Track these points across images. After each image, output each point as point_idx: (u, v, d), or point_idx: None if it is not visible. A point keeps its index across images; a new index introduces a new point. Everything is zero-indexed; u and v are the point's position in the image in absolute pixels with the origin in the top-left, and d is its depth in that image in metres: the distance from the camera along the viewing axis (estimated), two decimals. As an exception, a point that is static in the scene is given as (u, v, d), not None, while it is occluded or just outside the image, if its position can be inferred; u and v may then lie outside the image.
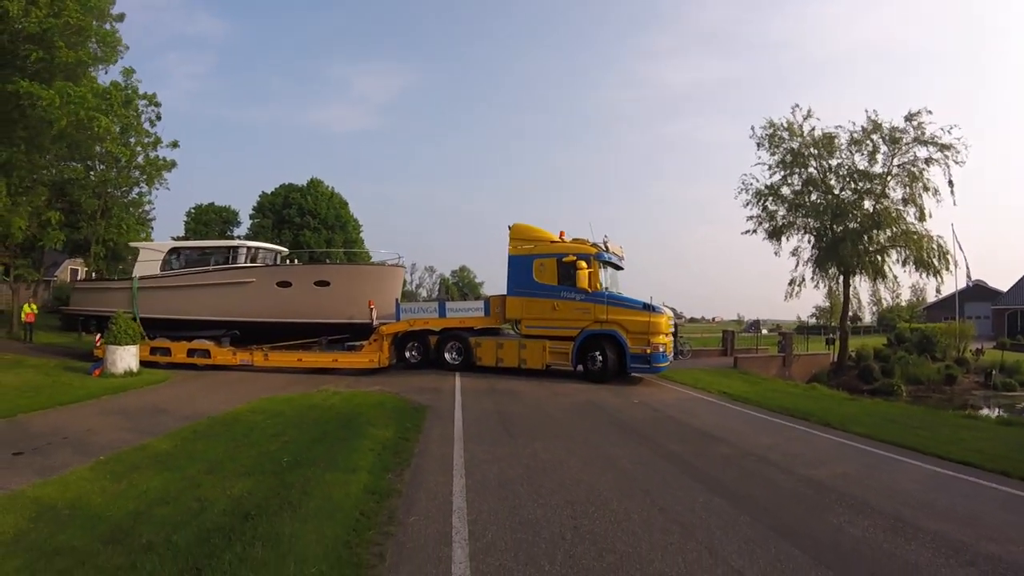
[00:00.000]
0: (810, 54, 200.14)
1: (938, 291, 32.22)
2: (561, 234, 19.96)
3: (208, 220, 60.27)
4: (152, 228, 36.95)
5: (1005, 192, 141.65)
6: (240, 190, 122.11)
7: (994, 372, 31.87)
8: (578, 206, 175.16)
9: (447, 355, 20.38)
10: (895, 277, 29.34)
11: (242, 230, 61.13)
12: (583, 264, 18.20)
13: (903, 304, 68.91)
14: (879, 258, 28.71)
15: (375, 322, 21.09)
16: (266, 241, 51.76)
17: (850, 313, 31.64)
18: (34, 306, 26.14)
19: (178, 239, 53.48)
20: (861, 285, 30.66)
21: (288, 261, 26.63)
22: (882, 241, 28.57)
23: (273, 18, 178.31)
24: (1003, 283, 63.84)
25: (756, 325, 66.57)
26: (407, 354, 21.18)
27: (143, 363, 19.25)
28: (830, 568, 4.88)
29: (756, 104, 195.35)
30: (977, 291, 68.14)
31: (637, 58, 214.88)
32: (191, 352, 20.59)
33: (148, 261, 23.89)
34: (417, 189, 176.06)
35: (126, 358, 17.67)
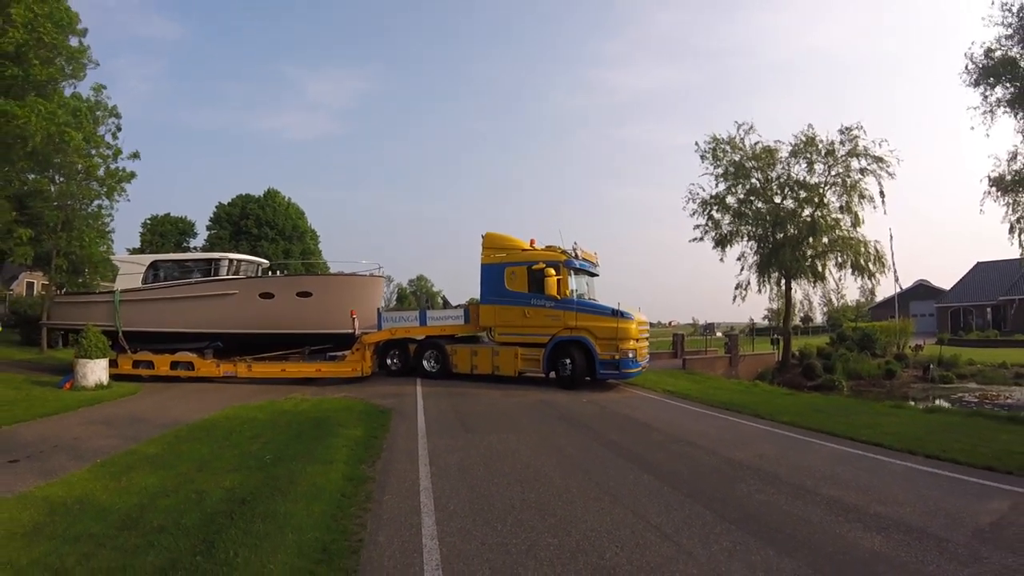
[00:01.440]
0: (762, 61, 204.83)
1: (872, 293, 34.04)
2: (532, 242, 20.29)
3: (164, 231, 59.74)
4: (112, 240, 36.84)
5: (952, 194, 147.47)
6: (195, 199, 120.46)
7: (932, 366, 33.48)
8: (539, 211, 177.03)
9: (425, 363, 20.75)
10: (841, 279, 31.02)
11: (199, 241, 60.91)
12: (551, 271, 18.32)
13: (849, 304, 71.94)
14: (817, 263, 30.31)
15: (357, 331, 21.40)
16: (222, 251, 51.93)
17: (801, 314, 33.39)
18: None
19: (134, 251, 53.02)
20: (813, 288, 32.41)
21: (270, 272, 26.68)
22: (819, 247, 30.15)
23: (229, 22, 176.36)
24: (948, 282, 66.38)
25: (710, 328, 68.30)
26: (389, 362, 21.63)
27: (127, 377, 19.70)
28: (732, 523, 5.99)
29: (707, 109, 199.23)
30: (922, 290, 71.32)
31: (591, 64, 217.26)
32: (174, 365, 20.88)
33: (129, 274, 23.90)
34: (374, 196, 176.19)
35: (96, 371, 18.01)
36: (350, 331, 21.29)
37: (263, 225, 57.23)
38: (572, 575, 4.77)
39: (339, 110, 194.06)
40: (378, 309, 22.79)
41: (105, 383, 18.10)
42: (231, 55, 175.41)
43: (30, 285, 47.01)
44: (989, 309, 58.34)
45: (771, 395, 18.74)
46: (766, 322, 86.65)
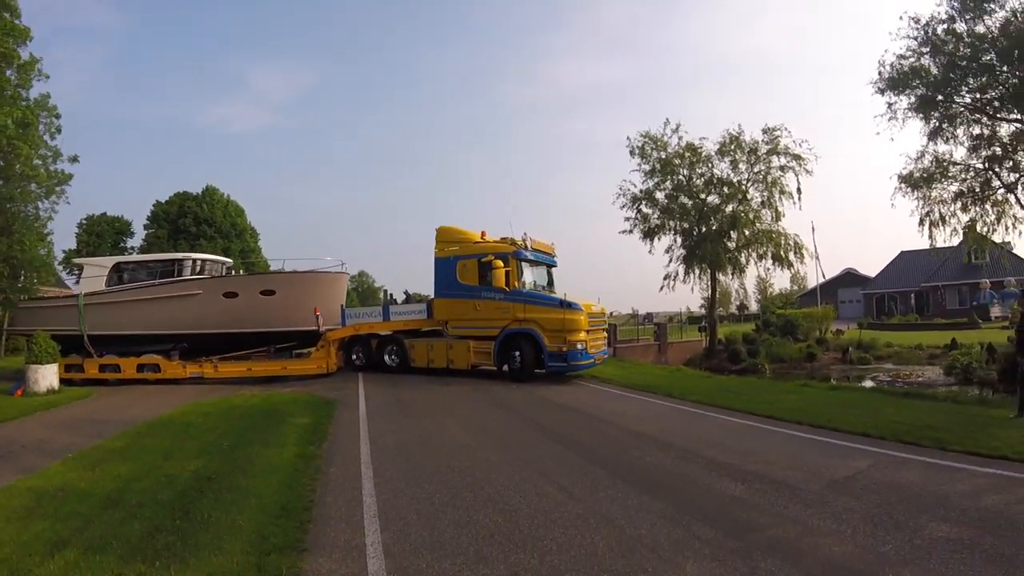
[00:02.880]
0: (703, 57, 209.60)
1: (803, 280, 36.27)
2: (483, 234, 20.29)
3: (101, 231, 58.53)
4: (52, 243, 36.52)
5: (882, 186, 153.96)
6: (131, 197, 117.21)
7: (850, 349, 35.46)
8: (490, 204, 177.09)
9: (386, 357, 21.07)
10: (768, 270, 33.21)
11: (136, 241, 59.84)
12: (499, 263, 18.16)
13: (782, 293, 75.27)
14: (738, 255, 32.28)
15: (321, 328, 21.58)
16: (160, 251, 51.35)
17: (737, 303, 35.42)
18: None
19: (70, 253, 52.22)
20: (732, 278, 34.42)
21: (232, 272, 26.60)
22: (740, 240, 32.08)
23: (168, 10, 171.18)
24: (875, 271, 69.04)
25: (649, 317, 70.25)
26: (353, 358, 21.93)
27: (92, 381, 20.09)
28: (620, 479, 7.34)
29: (649, 104, 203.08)
30: (849, 278, 74.41)
31: (535, 57, 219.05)
32: (140, 367, 20.95)
33: (92, 277, 23.91)
34: (318, 191, 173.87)
35: (48, 376, 18.24)
36: (314, 328, 21.52)
37: (202, 223, 56.68)
38: (481, 516, 6.04)
39: (283, 103, 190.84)
40: (341, 306, 22.94)
41: (56, 388, 18.36)
42: (170, 45, 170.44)
43: None
44: (913, 295, 60.49)
45: (690, 378, 20.10)
46: (702, 311, 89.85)
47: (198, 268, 24.03)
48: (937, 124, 21.90)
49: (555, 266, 21.14)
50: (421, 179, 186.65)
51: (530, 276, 19.39)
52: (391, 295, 28.47)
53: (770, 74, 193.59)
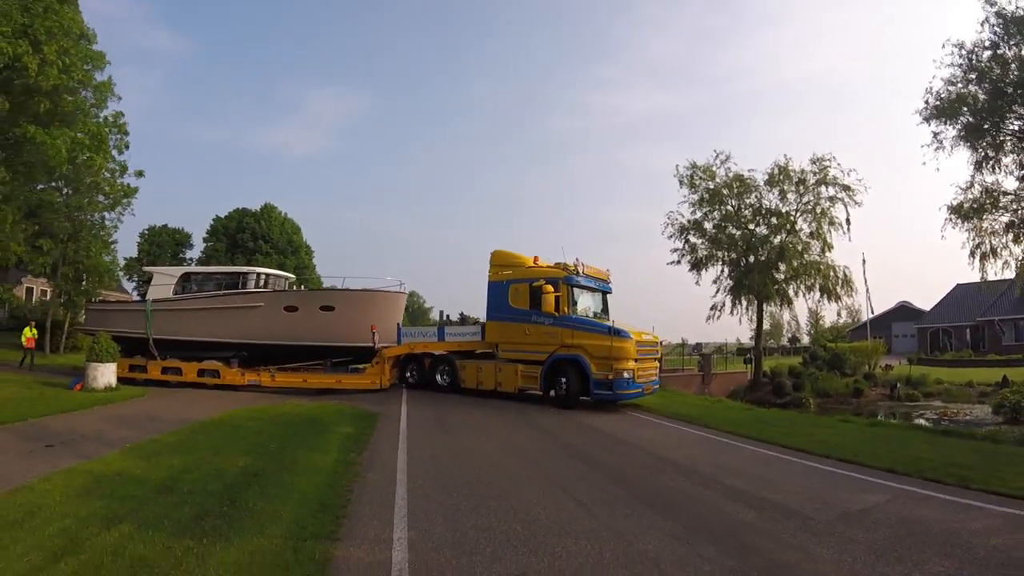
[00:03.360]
0: (758, 86, 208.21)
1: (838, 314, 35.79)
2: (535, 259, 20.23)
3: (161, 242, 60.78)
4: (116, 251, 38.22)
5: (937, 213, 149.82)
6: (191, 211, 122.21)
7: (899, 385, 34.78)
8: (542, 232, 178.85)
9: (438, 377, 21.22)
10: (816, 302, 33.00)
11: (195, 252, 61.95)
12: (549, 288, 17.87)
13: (837, 326, 73.90)
14: (786, 287, 32.07)
15: (377, 345, 21.98)
16: (218, 264, 53.17)
17: (789, 335, 35.14)
18: (35, 330, 26.19)
19: (131, 260, 54.41)
20: (779, 310, 34.25)
21: (294, 287, 27.39)
22: (788, 272, 31.89)
23: (231, 36, 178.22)
24: (931, 304, 67.26)
25: (697, 348, 69.53)
26: (408, 376, 22.20)
27: (152, 382, 21.03)
28: (639, 499, 7.64)
29: (703, 133, 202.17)
30: (904, 311, 72.78)
31: (589, 89, 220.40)
32: (201, 372, 21.66)
33: (161, 285, 24.92)
34: (371, 213, 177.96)
35: (107, 374, 19.23)
36: (370, 345, 21.98)
37: (259, 239, 58.21)
38: (502, 523, 6.43)
39: (338, 128, 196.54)
40: (398, 324, 23.35)
41: (114, 386, 19.28)
42: (232, 69, 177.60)
43: (30, 290, 47.98)
44: (968, 330, 58.67)
45: (728, 409, 20.05)
46: (751, 342, 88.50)
47: (262, 282, 24.89)
48: (984, 153, 21.42)
49: (610, 293, 20.73)
50: (475, 205, 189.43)
51: (586, 302, 19.25)
52: (448, 316, 28.78)
53: (831, 99, 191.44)
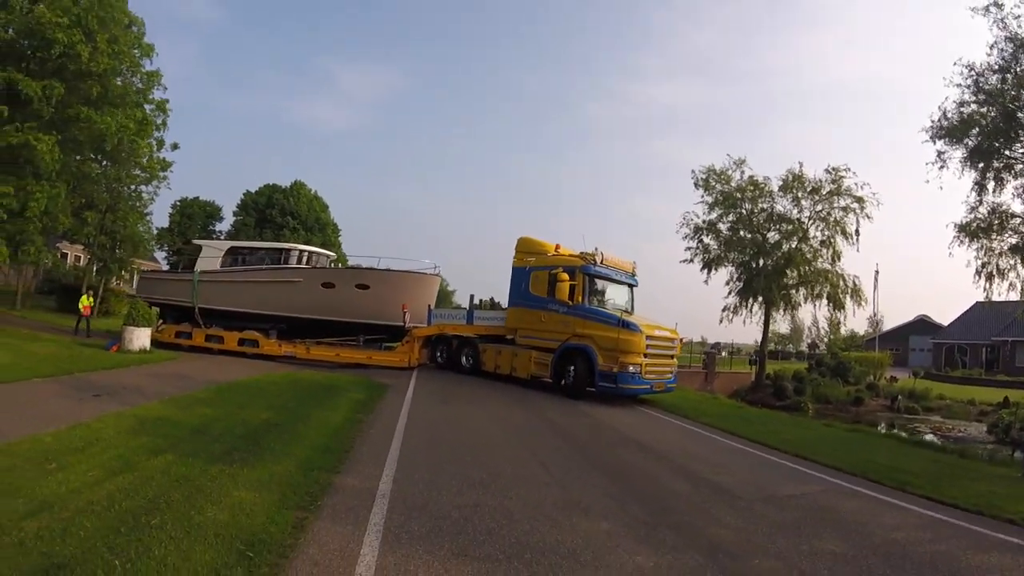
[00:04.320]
0: (797, 84, 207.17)
1: (847, 322, 36.10)
2: (556, 247, 20.37)
3: (192, 214, 62.36)
4: (151, 222, 39.79)
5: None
6: (222, 184, 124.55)
7: (899, 397, 35.38)
8: (570, 219, 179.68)
9: (462, 359, 21.76)
10: (830, 310, 33.55)
11: (224, 225, 63.44)
12: (564, 276, 17.79)
13: (847, 334, 74.15)
14: (792, 293, 32.94)
15: (408, 325, 22.81)
16: (247, 238, 54.74)
17: (809, 340, 35.85)
18: (92, 298, 27.18)
19: (162, 231, 56.23)
20: (783, 315, 35.11)
21: (334, 265, 28.37)
22: (795, 278, 32.74)
23: (268, 9, 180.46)
24: (949, 319, 66.85)
25: (717, 347, 70.16)
26: (437, 356, 22.97)
27: (201, 349, 22.56)
28: (596, 469, 8.98)
29: (738, 128, 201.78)
30: (922, 325, 72.91)
31: (626, 77, 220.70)
32: (241, 341, 22.94)
33: (209, 257, 26.07)
34: (400, 192, 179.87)
35: (142, 337, 20.67)
36: (402, 324, 22.93)
37: (287, 215, 59.42)
38: (472, 473, 7.85)
39: (371, 106, 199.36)
40: (428, 305, 24.15)
41: (148, 348, 20.71)
42: (267, 42, 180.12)
43: (63, 256, 49.63)
44: (985, 348, 58.88)
45: (719, 406, 20.86)
46: (772, 345, 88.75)
47: (304, 259, 26.05)
48: (986, 175, 21.45)
49: (635, 286, 20.41)
50: (508, 189, 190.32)
51: (610, 294, 19.24)
52: (482, 300, 29.51)
53: (874, 104, 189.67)
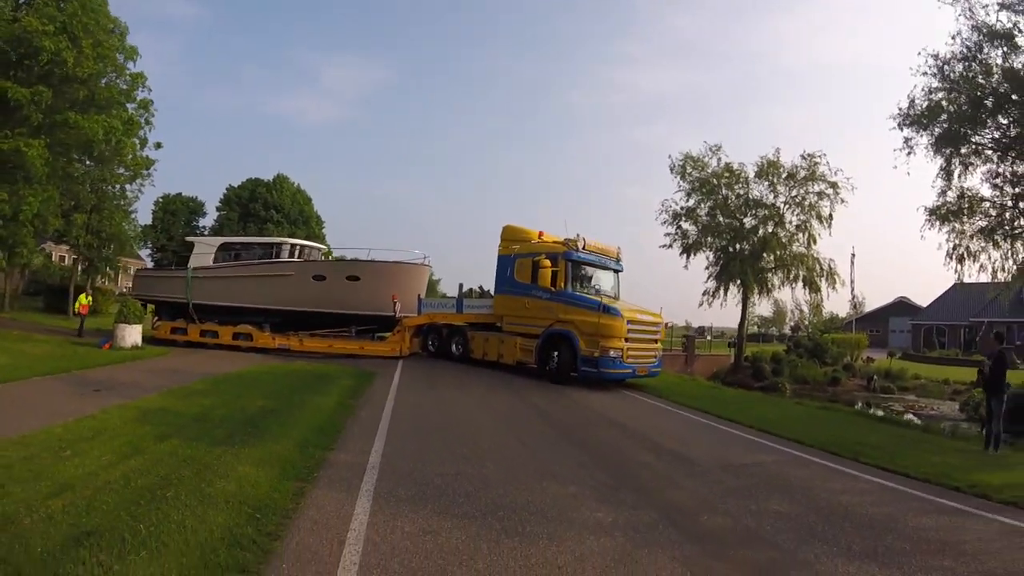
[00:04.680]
0: (780, 66, 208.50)
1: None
2: (540, 234, 20.52)
3: (175, 210, 62.33)
4: (136, 220, 39.99)
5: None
6: (203, 179, 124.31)
7: (875, 377, 36.29)
8: (558, 207, 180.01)
9: (453, 347, 22.09)
10: (806, 292, 34.38)
11: (208, 220, 63.27)
12: (547, 262, 17.92)
13: (829, 316, 75.40)
14: (768, 276, 33.76)
15: (398, 315, 23.06)
16: (230, 234, 54.87)
17: (792, 323, 36.57)
18: (90, 297, 27.11)
19: (146, 228, 56.22)
20: (758, 297, 35.93)
21: (323, 257, 28.65)
22: (771, 262, 33.55)
23: (246, 3, 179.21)
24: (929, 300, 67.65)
25: (701, 331, 70.92)
26: (429, 344, 23.38)
27: (194, 344, 23.06)
28: (569, 442, 9.77)
29: (721, 113, 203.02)
30: (902, 306, 74.02)
31: (611, 64, 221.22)
32: (236, 335, 23.40)
33: (202, 254, 26.56)
34: (385, 185, 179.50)
35: (133, 334, 21.20)
36: (392, 314, 23.26)
37: (271, 208, 59.70)
38: (455, 447, 8.66)
39: (354, 98, 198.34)
40: (419, 295, 24.43)
41: (140, 345, 21.24)
42: (248, 36, 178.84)
43: (48, 256, 49.49)
44: (963, 329, 59.67)
45: (694, 386, 21.57)
46: (757, 328, 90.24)
47: (296, 252, 26.39)
48: (945, 163, 21.99)
49: (619, 271, 20.52)
50: (492, 178, 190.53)
51: (596, 280, 19.49)
52: (470, 289, 29.54)
53: (859, 86, 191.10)
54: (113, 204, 33.81)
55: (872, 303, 79.38)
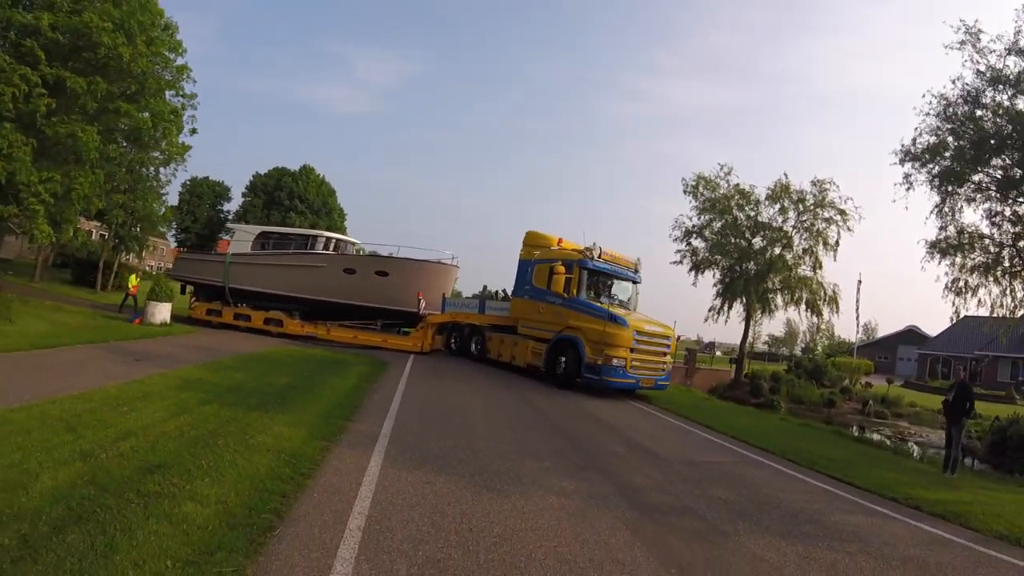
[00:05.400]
0: (810, 90, 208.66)
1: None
2: (559, 240, 20.95)
3: (201, 193, 63.91)
4: (167, 202, 41.30)
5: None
6: (229, 163, 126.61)
7: (871, 402, 36.96)
8: (579, 214, 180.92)
9: (473, 346, 22.79)
10: (808, 315, 35.33)
11: (232, 206, 64.68)
12: (561, 269, 18.35)
13: (839, 340, 76.16)
14: (771, 297, 34.78)
15: (422, 311, 24.13)
16: (254, 220, 56.30)
17: (803, 344, 37.32)
18: (139, 279, 27.80)
19: (170, 210, 57.80)
20: (760, 318, 36.93)
21: (358, 252, 29.20)
22: (775, 284, 34.58)
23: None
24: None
25: (711, 346, 71.48)
26: (452, 342, 24.21)
27: (227, 326, 24.47)
28: (554, 431, 11.13)
29: (750, 130, 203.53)
30: (911, 335, 74.63)
31: (642, 74, 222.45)
32: (267, 320, 24.63)
33: (241, 240, 27.48)
34: (407, 178, 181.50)
35: (163, 312, 22.73)
36: (416, 310, 24.33)
37: (295, 198, 60.88)
38: (453, 425, 10.16)
39: (384, 90, 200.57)
40: (443, 294, 25.36)
41: (168, 322, 22.69)
42: (282, 23, 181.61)
43: (87, 233, 50.98)
44: (969, 361, 60.04)
45: (688, 397, 22.38)
46: (766, 346, 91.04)
47: (331, 245, 27.39)
48: (940, 200, 22.74)
49: (638, 282, 20.83)
50: (514, 181, 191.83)
51: (615, 290, 19.94)
52: (497, 292, 30.25)
53: (885, 114, 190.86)
54: (147, 186, 35.07)
55: (885, 329, 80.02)
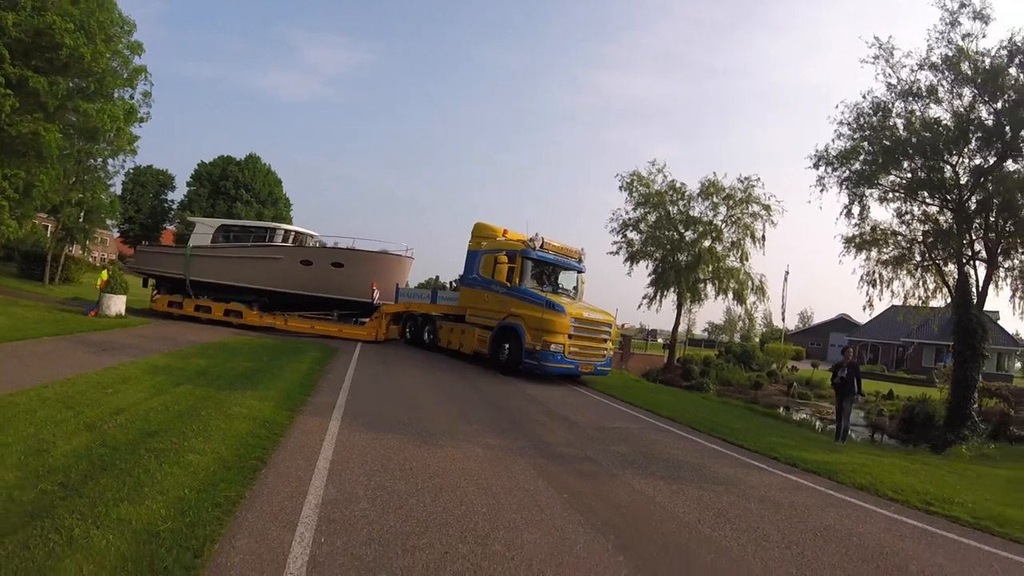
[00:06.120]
0: (753, 85, 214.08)
1: (762, 314, 40.21)
2: (504, 231, 21.53)
3: (145, 182, 63.42)
4: (115, 193, 41.02)
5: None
6: (173, 151, 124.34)
7: (795, 384, 39.50)
8: (518, 202, 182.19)
9: (425, 334, 23.55)
10: (735, 303, 37.63)
11: (177, 195, 64.48)
12: (504, 258, 18.91)
13: (769, 327, 79.52)
14: (699, 287, 37.00)
15: (376, 301, 24.84)
16: (199, 210, 56.22)
17: (741, 332, 39.18)
18: (107, 273, 27.26)
19: (114, 199, 57.38)
20: (690, 306, 39.15)
21: (316, 244, 29.45)
22: (704, 275, 36.79)
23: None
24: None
25: (652, 334, 73.29)
26: (407, 331, 24.99)
27: (188, 318, 24.97)
28: (487, 404, 12.84)
29: (693, 123, 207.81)
30: (842, 323, 78.49)
31: (587, 65, 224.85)
32: (227, 312, 25.14)
33: (201, 233, 27.93)
34: (352, 167, 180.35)
35: (118, 304, 23.14)
36: (370, 300, 25.00)
37: (240, 187, 60.91)
38: (400, 401, 11.72)
39: (331, 77, 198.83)
40: (397, 285, 26.08)
41: (123, 314, 23.17)
42: (228, 7, 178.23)
43: (36, 226, 50.02)
44: (896, 348, 63.89)
45: (620, 379, 23.84)
46: (706, 334, 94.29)
47: (290, 238, 27.82)
48: (848, 201, 24.97)
49: (582, 271, 21.42)
50: (455, 170, 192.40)
51: (559, 279, 20.52)
52: (448, 282, 31.56)
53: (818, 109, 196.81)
54: (95, 176, 34.90)
55: (820, 317, 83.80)
